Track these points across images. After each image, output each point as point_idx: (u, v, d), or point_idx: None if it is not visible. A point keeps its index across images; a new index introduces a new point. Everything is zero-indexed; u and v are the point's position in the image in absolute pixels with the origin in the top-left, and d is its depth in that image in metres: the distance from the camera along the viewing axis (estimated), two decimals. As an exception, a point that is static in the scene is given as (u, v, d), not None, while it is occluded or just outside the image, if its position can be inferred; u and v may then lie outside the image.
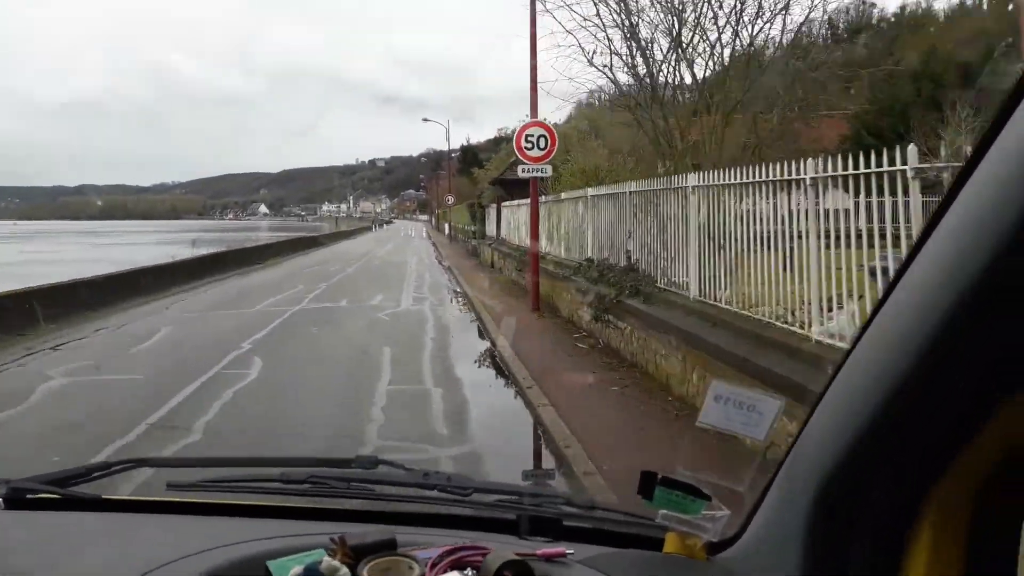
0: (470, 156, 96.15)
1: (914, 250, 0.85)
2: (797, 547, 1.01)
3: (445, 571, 1.22)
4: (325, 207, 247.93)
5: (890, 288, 0.89)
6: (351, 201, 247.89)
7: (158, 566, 1.16)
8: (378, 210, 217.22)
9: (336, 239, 55.53)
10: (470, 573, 1.22)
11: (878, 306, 0.91)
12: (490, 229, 32.40)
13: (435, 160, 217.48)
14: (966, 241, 0.75)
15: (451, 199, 53.44)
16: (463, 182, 77.37)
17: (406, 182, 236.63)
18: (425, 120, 64.29)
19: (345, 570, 1.18)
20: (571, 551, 1.31)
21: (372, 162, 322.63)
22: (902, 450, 0.85)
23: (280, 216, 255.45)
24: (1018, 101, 0.70)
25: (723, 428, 1.28)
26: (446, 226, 58.37)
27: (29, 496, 1.49)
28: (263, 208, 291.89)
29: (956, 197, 0.78)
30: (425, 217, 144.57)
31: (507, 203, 26.99)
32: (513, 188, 25.62)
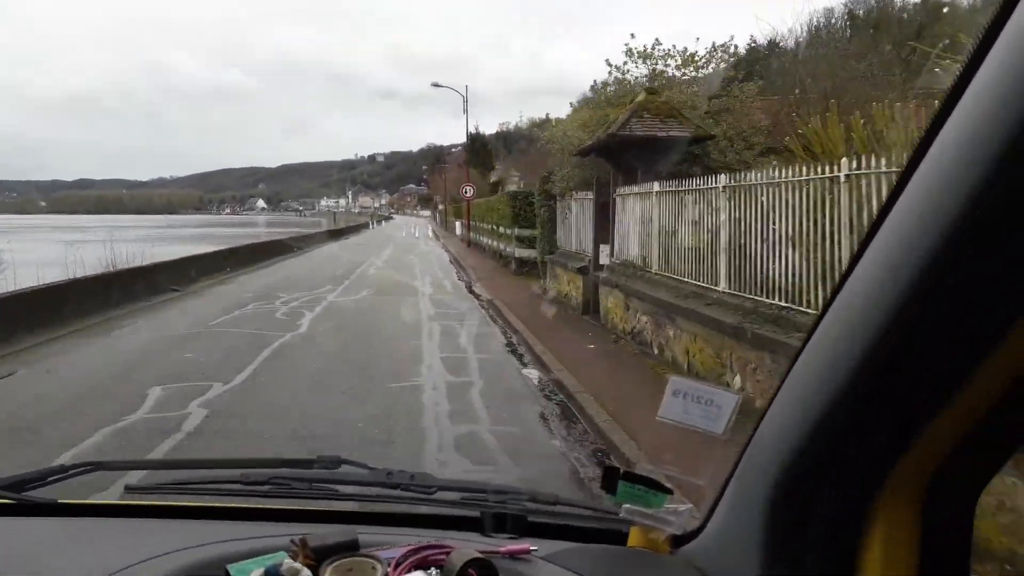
0: (479, 147, 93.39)
1: (866, 239, 0.85)
2: (755, 540, 1.02)
3: (409, 571, 1.23)
4: (323, 202, 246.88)
5: (844, 277, 0.89)
6: (350, 196, 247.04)
7: (117, 571, 1.16)
8: (376, 205, 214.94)
9: (318, 242, 42.61)
10: (434, 572, 1.23)
11: (833, 295, 0.91)
12: (566, 237, 17.50)
13: (436, 154, 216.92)
14: (914, 234, 0.75)
15: (470, 190, 42.75)
16: (473, 175, 73.29)
17: (405, 177, 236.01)
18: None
19: (307, 572, 1.19)
20: (535, 547, 1.32)
21: (371, 157, 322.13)
22: (856, 441, 0.85)
23: (278, 211, 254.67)
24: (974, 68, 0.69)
25: (682, 422, 1.30)
26: (456, 224, 50.15)
27: None
28: (260, 203, 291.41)
29: (903, 189, 0.78)
30: (427, 213, 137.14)
31: (637, 189, 11.79)
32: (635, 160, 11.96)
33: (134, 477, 1.58)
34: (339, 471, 1.62)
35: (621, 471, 1.37)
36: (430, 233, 62.40)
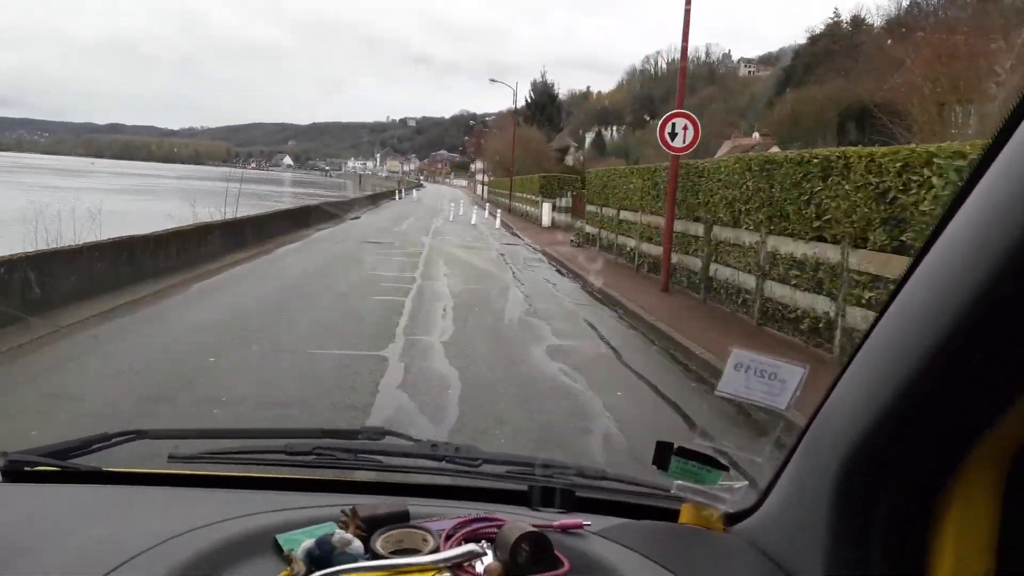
0: (545, 101, 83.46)
1: (947, 213, 0.84)
2: (820, 520, 1.01)
3: (459, 543, 1.22)
4: (350, 163, 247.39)
5: (921, 254, 0.88)
6: (378, 159, 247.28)
7: (168, 538, 1.17)
8: (406, 169, 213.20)
9: (319, 222, 27.10)
10: (485, 545, 1.22)
11: (907, 273, 0.90)
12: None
13: (469, 121, 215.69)
14: (1001, 206, 0.74)
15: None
16: (529, 138, 64.23)
17: (436, 144, 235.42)
18: (493, 81, 69.15)
19: (357, 542, 1.19)
20: (588, 522, 1.32)
21: (403, 121, 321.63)
22: (932, 423, 0.84)
23: (304, 169, 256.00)
24: None
25: (743, 397, 1.28)
26: (545, 209, 34.64)
27: (27, 469, 1.50)
28: (287, 160, 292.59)
29: (995, 156, 0.77)
30: (462, 182, 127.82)
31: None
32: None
33: (176, 446, 1.57)
34: (383, 442, 1.62)
35: (675, 447, 1.36)
36: (488, 214, 42.30)
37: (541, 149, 70.73)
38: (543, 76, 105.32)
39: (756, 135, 55.43)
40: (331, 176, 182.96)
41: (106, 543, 1.16)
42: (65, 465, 1.51)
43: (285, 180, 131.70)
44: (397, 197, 63.14)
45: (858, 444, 0.94)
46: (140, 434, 1.57)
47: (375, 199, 51.25)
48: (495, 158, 78.24)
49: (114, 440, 1.56)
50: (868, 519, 0.93)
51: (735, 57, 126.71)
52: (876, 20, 73.75)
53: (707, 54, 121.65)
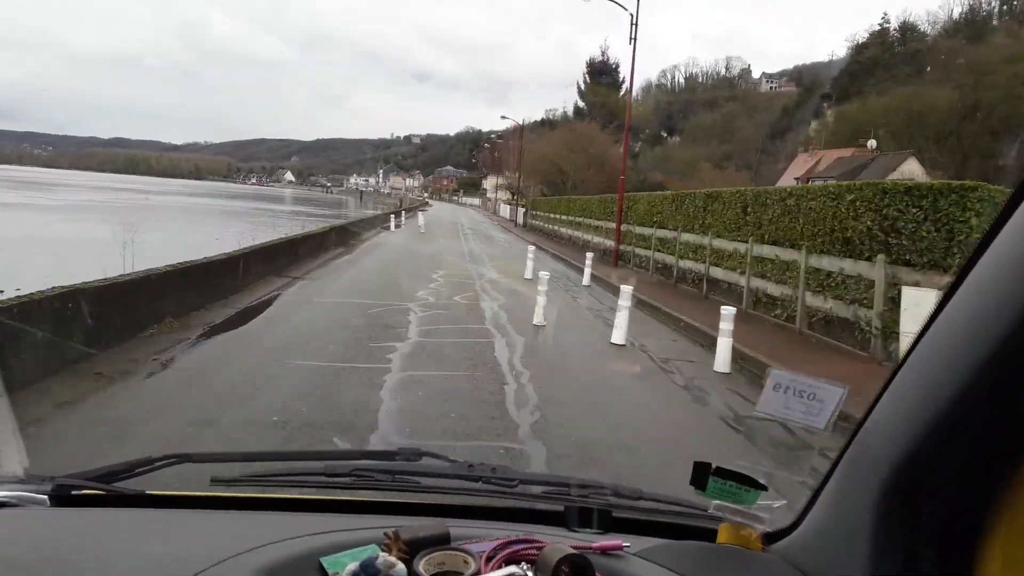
0: (606, 90, 63.62)
1: (989, 234, 0.86)
2: (863, 538, 1.03)
3: (500, 565, 1.25)
4: (352, 179, 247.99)
5: (963, 272, 0.90)
6: (380, 175, 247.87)
7: (215, 563, 1.20)
8: (410, 184, 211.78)
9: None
10: (525, 567, 1.25)
11: (950, 291, 0.92)
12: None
13: (475, 138, 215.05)
14: None
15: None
16: (588, 139, 53.63)
17: (441, 160, 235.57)
18: (503, 118, 51.48)
19: (401, 566, 1.22)
20: (627, 544, 1.35)
21: (407, 138, 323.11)
22: (977, 439, 0.86)
23: (306, 185, 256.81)
24: None
25: (782, 418, 1.31)
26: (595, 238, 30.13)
27: (74, 493, 1.54)
28: (289, 176, 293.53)
29: None
30: (474, 201, 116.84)
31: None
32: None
33: (218, 469, 1.61)
34: (420, 463, 1.66)
35: (713, 467, 1.39)
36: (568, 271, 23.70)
37: (607, 154, 56.22)
38: (603, 54, 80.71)
39: (872, 142, 52.15)
40: (332, 193, 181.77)
41: (155, 567, 1.20)
42: (110, 489, 1.55)
43: (284, 197, 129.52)
44: (393, 226, 40.96)
45: (901, 462, 0.96)
46: (183, 458, 1.61)
47: (371, 223, 37.15)
48: (540, 167, 61.46)
49: (157, 464, 1.60)
50: (913, 537, 0.95)
51: (755, 73, 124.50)
52: (927, 27, 73.35)
53: (727, 68, 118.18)
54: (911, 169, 44.52)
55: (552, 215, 44.80)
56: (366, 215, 45.27)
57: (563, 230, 39.67)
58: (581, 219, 35.37)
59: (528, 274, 18.84)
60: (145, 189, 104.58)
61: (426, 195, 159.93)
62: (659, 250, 21.43)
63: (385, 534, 1.30)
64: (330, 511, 1.55)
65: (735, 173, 63.44)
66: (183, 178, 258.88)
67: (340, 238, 26.30)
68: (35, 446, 5.74)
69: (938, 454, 0.91)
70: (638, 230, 24.23)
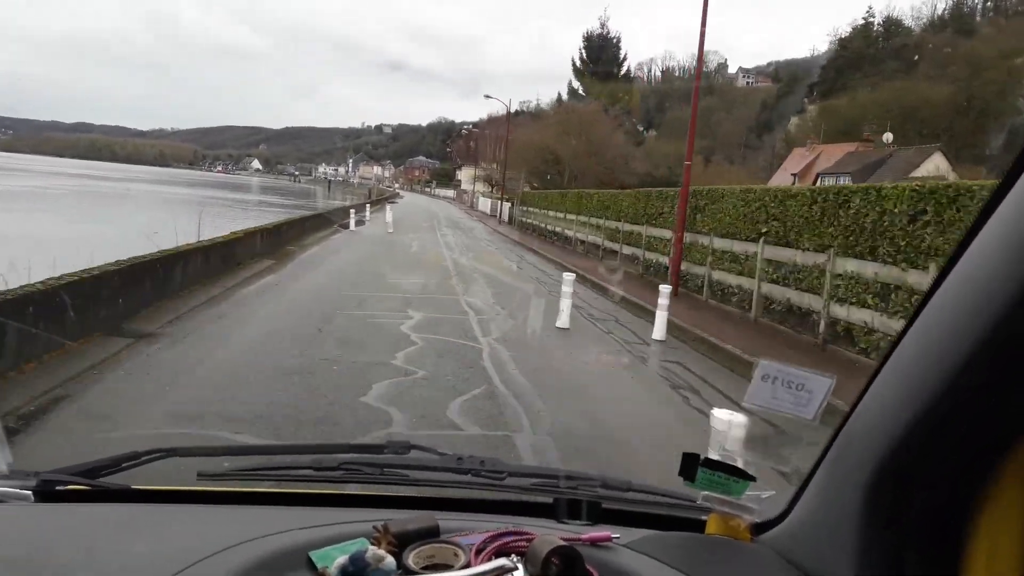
0: (607, 65, 54.19)
1: (974, 226, 0.87)
2: (850, 529, 1.05)
3: (490, 558, 1.27)
4: (321, 168, 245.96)
5: (949, 265, 0.91)
6: (350, 164, 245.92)
7: (203, 557, 1.20)
8: (379, 174, 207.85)
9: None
10: (515, 559, 1.26)
11: (935, 284, 0.94)
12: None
13: (447, 129, 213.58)
14: None
15: None
16: (588, 122, 46.80)
17: (413, 150, 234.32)
18: (487, 97, 48.26)
19: (390, 558, 1.22)
20: (616, 535, 1.36)
21: (378, 127, 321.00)
22: (964, 431, 0.87)
23: (273, 173, 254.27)
24: None
25: (771, 408, 1.33)
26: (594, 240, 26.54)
27: (59, 488, 1.54)
28: (256, 164, 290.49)
29: None
30: (448, 193, 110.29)
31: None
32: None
33: (205, 463, 1.61)
34: (409, 456, 1.67)
35: (701, 458, 1.41)
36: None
37: (609, 141, 50.39)
38: (603, 26, 69.62)
39: (888, 136, 47.70)
40: (300, 182, 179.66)
41: (142, 562, 1.20)
42: (95, 484, 1.55)
43: (249, 185, 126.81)
44: (353, 223, 31.83)
45: (888, 453, 0.97)
46: (169, 452, 1.61)
47: (277, 242, 20.51)
48: (528, 156, 53.96)
49: (143, 458, 1.59)
50: (900, 527, 0.97)
51: (732, 68, 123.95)
52: (911, 22, 73.95)
53: (704, 62, 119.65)
54: (937, 165, 41.23)
55: (551, 213, 36.16)
56: (332, 205, 41.56)
57: (569, 232, 31.57)
58: (602, 221, 26.48)
59: (563, 322, 11.73)
60: (97, 175, 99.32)
61: (396, 186, 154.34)
62: (774, 280, 13.38)
63: (374, 527, 1.31)
64: (318, 505, 1.55)
65: (727, 168, 61.24)
66: (147, 165, 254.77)
67: (272, 244, 18.91)
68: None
69: (924, 447, 0.92)
70: (718, 243, 15.94)
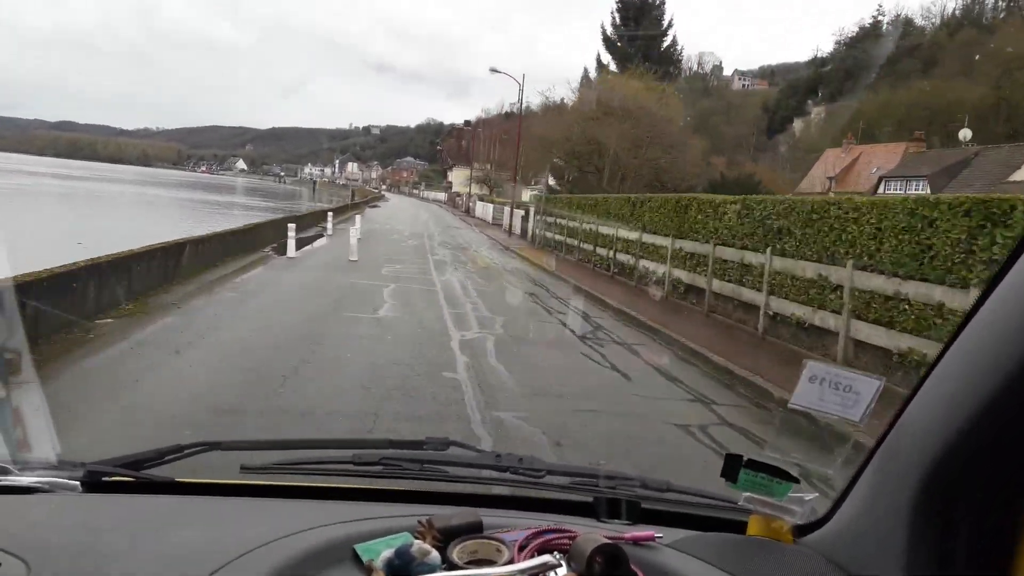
0: (646, 32, 41.80)
1: None
2: (896, 534, 1.06)
3: (533, 554, 1.28)
4: (307, 169, 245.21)
5: (1004, 268, 0.93)
6: (336, 165, 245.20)
7: (248, 550, 1.22)
8: (366, 175, 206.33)
9: None
10: (558, 556, 1.28)
11: (990, 286, 0.95)
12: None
13: (436, 130, 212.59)
14: None
15: None
16: (633, 99, 34.36)
17: (400, 152, 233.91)
18: (493, 71, 42.51)
19: (435, 553, 1.24)
20: (660, 535, 1.38)
21: (366, 129, 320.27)
22: (1016, 443, 0.89)
23: (259, 174, 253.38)
24: None
25: (817, 409, 1.34)
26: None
27: (105, 479, 1.57)
28: (241, 164, 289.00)
29: None
30: (438, 195, 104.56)
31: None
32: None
33: (247, 457, 1.62)
34: (448, 452, 1.69)
35: (744, 459, 1.42)
36: None
37: (665, 129, 37.67)
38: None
39: (966, 133, 42.11)
40: (285, 183, 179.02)
41: (191, 553, 1.22)
42: (140, 476, 1.58)
43: (232, 186, 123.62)
44: (292, 249, 20.24)
45: (939, 458, 0.98)
46: (212, 446, 1.64)
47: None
48: (553, 148, 40.27)
49: (186, 451, 1.62)
50: (950, 532, 0.98)
51: (727, 70, 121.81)
52: (921, 21, 73.13)
53: (699, 65, 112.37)
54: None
55: (592, 228, 24.57)
56: (299, 210, 36.64)
57: (625, 257, 20.97)
58: (707, 246, 15.36)
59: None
60: (62, 174, 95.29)
61: (384, 187, 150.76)
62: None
63: (419, 522, 1.33)
64: (360, 500, 1.57)
65: (756, 169, 54.17)
66: (130, 164, 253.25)
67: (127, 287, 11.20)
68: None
69: (975, 453, 0.93)
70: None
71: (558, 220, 29.54)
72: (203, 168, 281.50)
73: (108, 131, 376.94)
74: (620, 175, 37.25)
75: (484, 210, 56.18)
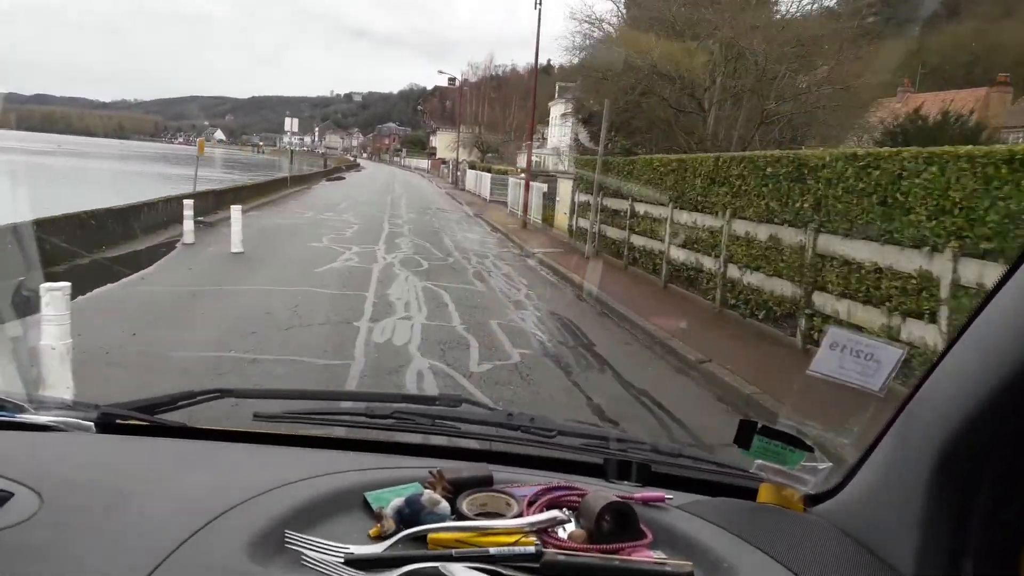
0: None
1: None
2: (911, 507, 1.07)
3: (542, 509, 1.30)
4: (287, 139, 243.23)
5: None
6: (316, 133, 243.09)
7: (261, 492, 1.23)
8: (347, 143, 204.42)
9: None
10: (567, 512, 1.30)
11: (1016, 264, 0.95)
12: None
13: (419, 95, 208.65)
14: None
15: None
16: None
17: (383, 118, 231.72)
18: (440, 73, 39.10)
19: (445, 503, 1.26)
20: (670, 496, 1.39)
21: (348, 96, 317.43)
22: None
23: (237, 144, 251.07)
24: None
25: (837, 377, 1.34)
26: None
27: (119, 421, 1.59)
28: (219, 134, 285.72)
29: None
30: (421, 163, 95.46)
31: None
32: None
33: (260, 405, 1.64)
34: (460, 409, 1.72)
35: (759, 425, 1.42)
36: None
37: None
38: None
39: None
40: (264, 152, 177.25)
41: (204, 493, 1.23)
42: (154, 420, 1.60)
43: (205, 158, 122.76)
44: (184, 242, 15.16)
45: (959, 431, 0.99)
46: (224, 393, 1.66)
47: None
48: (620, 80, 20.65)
49: (199, 398, 1.65)
50: (963, 510, 0.99)
51: None
52: None
53: None
54: None
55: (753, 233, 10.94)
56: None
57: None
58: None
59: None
60: (27, 148, 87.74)
61: (365, 155, 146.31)
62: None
63: (430, 472, 1.34)
64: (371, 451, 1.58)
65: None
66: (105, 137, 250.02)
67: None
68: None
69: (995, 428, 0.94)
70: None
71: (644, 210, 15.67)
72: (180, 139, 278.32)
73: (86, 103, 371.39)
74: (738, 117, 20.56)
75: (477, 181, 44.11)
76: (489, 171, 42.63)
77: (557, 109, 59.19)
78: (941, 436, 1.02)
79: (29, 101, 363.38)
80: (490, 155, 60.11)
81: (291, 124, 43.08)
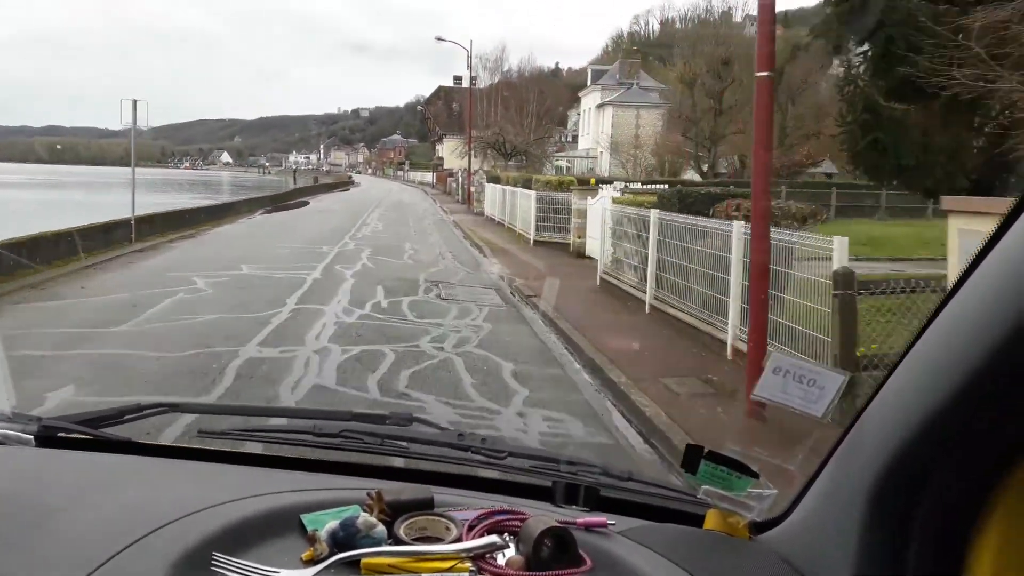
0: None
1: (996, 233, 0.89)
2: (851, 533, 1.06)
3: (482, 534, 1.30)
4: (292, 157, 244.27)
5: (968, 270, 0.93)
6: (321, 151, 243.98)
7: (196, 510, 1.24)
8: (351, 159, 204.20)
9: None
10: (507, 538, 1.30)
11: (954, 289, 0.95)
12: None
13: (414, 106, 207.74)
14: None
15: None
16: None
17: (390, 132, 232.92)
18: (439, 39, 44.12)
19: (381, 527, 1.26)
20: (612, 522, 1.39)
21: (355, 111, 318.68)
22: (973, 440, 0.89)
23: (244, 166, 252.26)
24: None
25: (779, 402, 1.35)
26: None
27: (60, 435, 1.59)
28: (225, 157, 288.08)
29: None
30: (425, 176, 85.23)
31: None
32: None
33: (207, 421, 1.65)
34: (410, 428, 1.71)
35: (705, 450, 1.42)
36: None
37: None
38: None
39: None
40: (270, 173, 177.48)
41: (136, 511, 1.24)
42: (96, 434, 1.60)
43: (210, 182, 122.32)
44: None
45: (896, 457, 0.99)
46: (172, 408, 1.68)
47: None
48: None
49: (146, 412, 1.65)
50: (903, 534, 0.99)
51: (737, 16, 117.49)
52: None
53: (707, 11, 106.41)
54: None
55: None
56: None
57: None
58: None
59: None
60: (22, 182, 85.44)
61: (369, 170, 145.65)
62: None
63: (368, 494, 1.34)
64: (316, 470, 1.59)
65: None
66: (113, 165, 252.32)
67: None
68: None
69: (933, 453, 0.94)
70: None
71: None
72: (186, 164, 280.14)
73: (95, 132, 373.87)
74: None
75: (504, 202, 28.90)
76: (529, 185, 25.51)
77: (591, 99, 57.35)
78: (879, 463, 1.02)
79: (40, 133, 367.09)
80: (511, 162, 48.59)
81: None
